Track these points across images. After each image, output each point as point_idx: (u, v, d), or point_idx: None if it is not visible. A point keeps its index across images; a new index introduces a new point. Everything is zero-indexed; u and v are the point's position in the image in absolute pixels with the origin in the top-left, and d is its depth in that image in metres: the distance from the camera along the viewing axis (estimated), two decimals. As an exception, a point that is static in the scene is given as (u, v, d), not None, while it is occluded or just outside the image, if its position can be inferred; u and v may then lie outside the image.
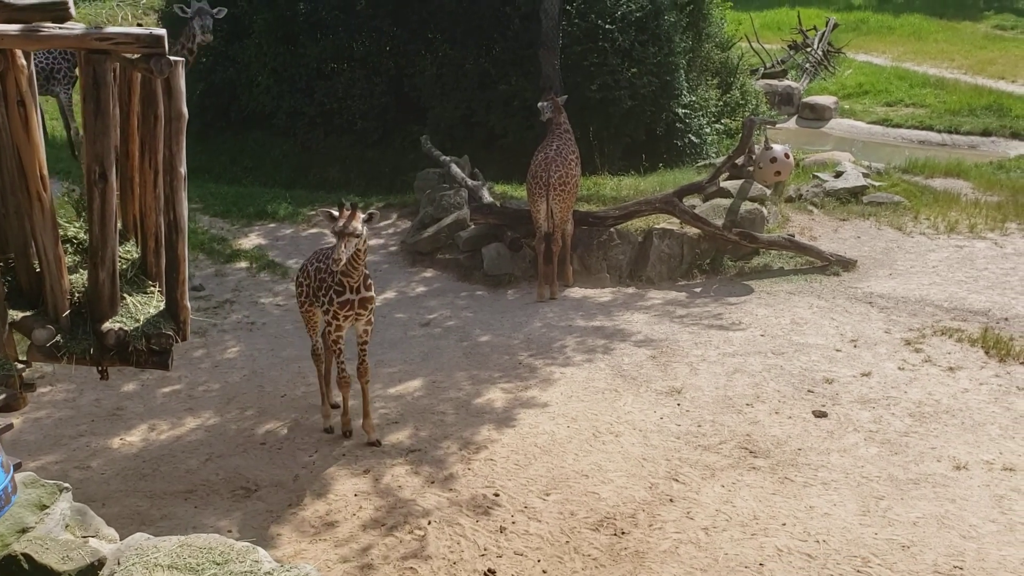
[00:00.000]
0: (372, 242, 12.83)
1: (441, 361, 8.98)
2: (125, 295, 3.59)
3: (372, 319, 7.13)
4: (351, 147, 15.98)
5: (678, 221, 10.97)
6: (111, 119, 3.21)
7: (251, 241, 12.64)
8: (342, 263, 6.17)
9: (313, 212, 13.88)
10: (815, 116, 19.68)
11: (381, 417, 7.83)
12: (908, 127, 18.81)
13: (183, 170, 3.42)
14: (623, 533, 6.10)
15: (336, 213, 6.19)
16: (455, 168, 12.65)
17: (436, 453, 7.23)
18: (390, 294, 11.01)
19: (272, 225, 13.25)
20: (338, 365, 7.25)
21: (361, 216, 6.25)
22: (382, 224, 13.50)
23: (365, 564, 5.92)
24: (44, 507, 5.23)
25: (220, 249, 11.98)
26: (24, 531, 4.98)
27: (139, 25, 16.14)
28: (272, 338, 9.63)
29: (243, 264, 11.66)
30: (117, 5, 27.01)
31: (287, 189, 14.75)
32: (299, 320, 10.09)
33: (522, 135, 13.84)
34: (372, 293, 6.98)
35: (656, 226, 11.06)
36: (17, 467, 2.58)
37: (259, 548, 4.55)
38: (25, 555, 4.67)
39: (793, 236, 11.10)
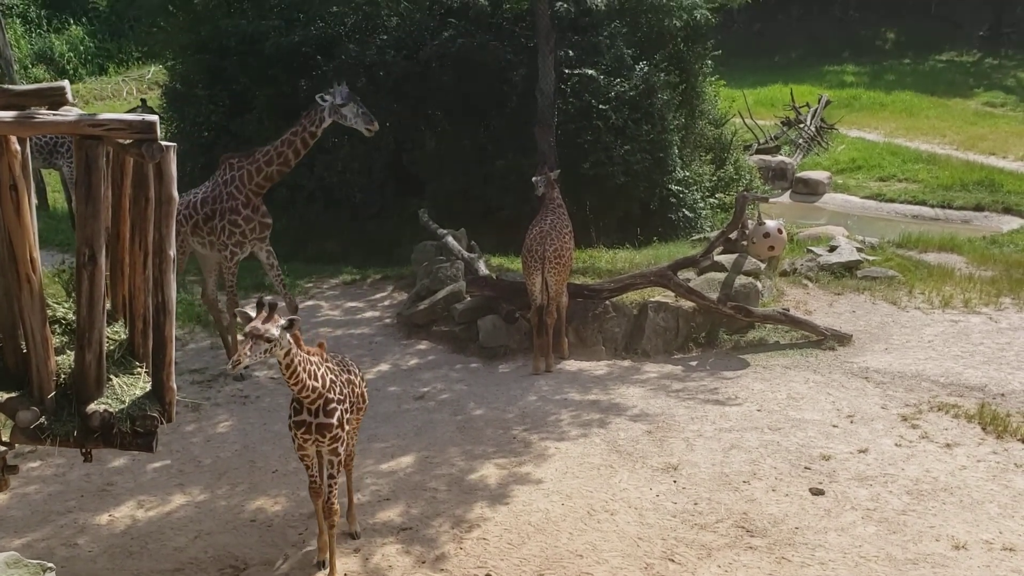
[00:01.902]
0: (367, 314, 12.88)
1: (434, 436, 8.91)
2: (111, 376, 3.59)
3: (340, 449, 6.21)
4: (350, 220, 16.13)
5: (673, 294, 11.01)
6: (102, 203, 3.25)
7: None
8: (240, 366, 5.26)
9: (310, 284, 13.93)
10: (809, 191, 19.92)
11: (372, 494, 7.74)
12: (901, 202, 19.04)
13: (172, 252, 3.45)
14: (617, 616, 5.98)
15: (252, 314, 5.42)
16: (452, 241, 12.75)
17: (427, 532, 7.12)
18: (384, 367, 10.98)
19: (268, 297, 13.26)
20: (309, 477, 6.44)
21: (280, 321, 5.46)
22: (378, 296, 13.55)
23: (353, 648, 5.79)
24: (26, 588, 5.14)
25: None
26: (5, 614, 4.90)
27: (143, 100, 16.42)
28: (265, 412, 9.57)
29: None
30: (122, 80, 27.57)
31: (285, 262, 14.79)
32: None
33: (518, 208, 13.98)
34: (333, 420, 6.04)
35: (651, 299, 11.10)
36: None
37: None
38: (4, 639, 4.58)
39: (788, 310, 11.13)
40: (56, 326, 3.74)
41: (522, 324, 11.15)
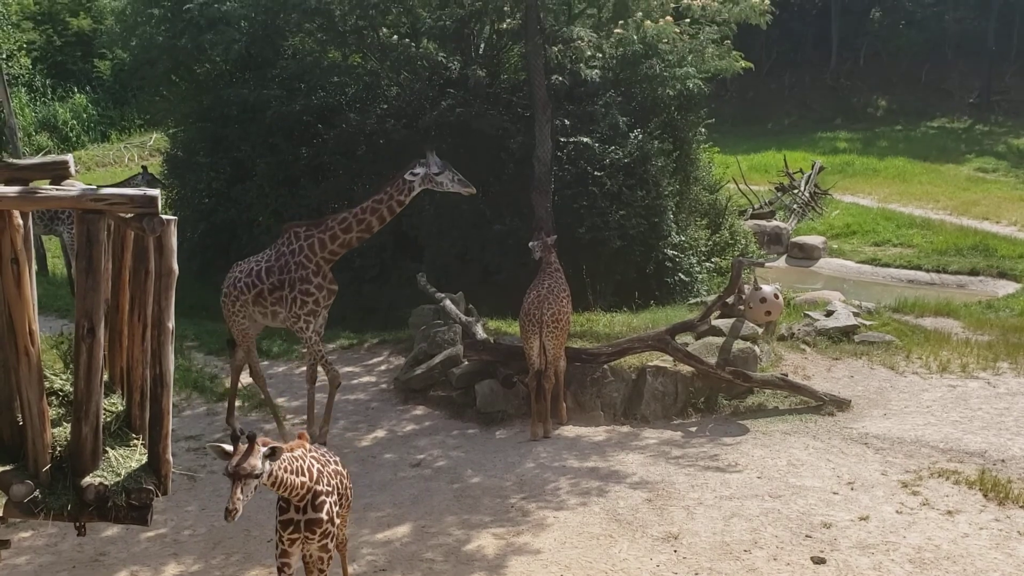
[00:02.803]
0: (364, 379, 12.84)
1: (431, 504, 8.81)
2: (107, 448, 3.57)
3: (331, 546, 5.80)
4: (348, 283, 16.11)
5: (672, 359, 11.00)
6: (102, 276, 3.28)
7: (244, 379, 12.62)
8: (236, 514, 4.80)
9: (306, 350, 13.91)
10: (804, 255, 20.06)
11: (368, 564, 7.63)
12: (897, 266, 19.18)
13: (171, 325, 3.47)
14: None
15: (229, 449, 4.93)
16: (450, 304, 12.78)
17: (424, 603, 7.01)
18: (380, 433, 10.91)
19: (265, 362, 13.25)
20: None
21: (261, 451, 4.96)
22: (374, 361, 13.53)
23: None
24: (14, 664, 5.04)
25: (213, 387, 11.96)
26: None
27: (144, 167, 16.62)
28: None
29: (235, 403, 11.60)
30: (124, 147, 27.93)
31: (282, 328, 14.82)
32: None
33: (516, 272, 14.04)
34: (323, 515, 5.58)
35: (649, 363, 11.09)
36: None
37: None
38: None
39: (786, 375, 11.12)
40: (53, 398, 3.73)
41: (520, 389, 11.11)
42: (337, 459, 6.15)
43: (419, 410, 11.59)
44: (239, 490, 4.79)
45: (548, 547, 7.84)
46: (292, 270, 9.84)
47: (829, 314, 13.16)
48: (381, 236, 16.03)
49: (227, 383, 12.35)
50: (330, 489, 5.71)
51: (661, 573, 7.32)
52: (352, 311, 15.65)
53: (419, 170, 9.70)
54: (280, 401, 11.78)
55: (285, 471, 5.27)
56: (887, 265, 19.26)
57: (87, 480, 3.45)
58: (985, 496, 8.44)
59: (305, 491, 5.48)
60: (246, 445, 4.87)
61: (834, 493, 8.66)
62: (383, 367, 13.32)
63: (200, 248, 17.01)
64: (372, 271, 16.17)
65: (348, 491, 6.33)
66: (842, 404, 10.75)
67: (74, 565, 7.76)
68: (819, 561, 7.42)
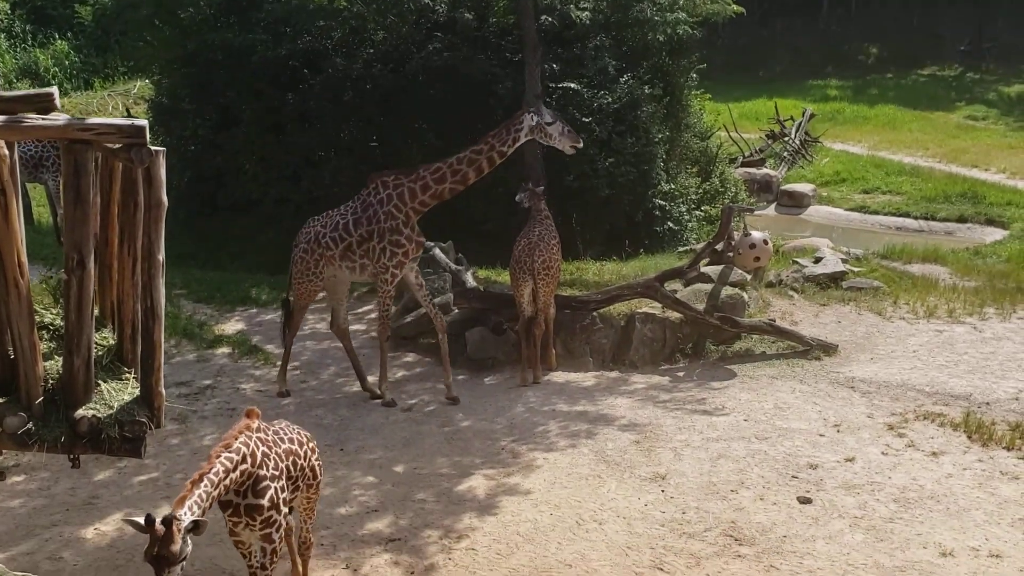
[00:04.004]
0: (354, 327, 12.83)
1: (422, 447, 8.89)
2: (100, 382, 3.57)
3: (275, 535, 5.24)
4: (338, 232, 16.10)
5: (660, 306, 11.04)
6: (91, 207, 3.25)
7: (233, 326, 12.61)
8: None
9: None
10: (794, 203, 20.06)
11: (360, 505, 7.71)
12: (885, 214, 19.19)
13: (161, 257, 3.45)
14: (606, 625, 5.97)
15: (140, 521, 4.33)
16: (439, 253, 12.75)
17: (416, 542, 7.10)
18: (371, 378, 10.92)
19: (254, 310, 13.25)
20: (248, 569, 5.44)
21: (180, 531, 4.34)
22: (364, 309, 13.52)
23: (341, 659, 5.75)
24: (10, 601, 5.10)
25: (202, 334, 11.94)
26: (-12, 626, 4.85)
27: (128, 114, 16.38)
28: (252, 424, 9.52)
29: (225, 350, 11.61)
30: (108, 95, 27.51)
31: (272, 275, 14.78)
32: (278, 406, 10.03)
33: (505, 221, 14.01)
34: (263, 501, 5.07)
35: (638, 310, 11.13)
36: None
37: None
38: (-12, 651, 4.54)
39: (774, 321, 11.18)
40: (44, 332, 3.72)
41: (510, 336, 11.15)
42: (295, 435, 5.64)
43: (409, 357, 11.63)
44: None
45: (538, 487, 7.93)
46: (381, 220, 9.56)
47: (817, 261, 13.20)
48: (369, 184, 15.97)
49: (216, 330, 12.35)
50: (276, 473, 5.19)
51: (649, 512, 7.43)
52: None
53: (529, 120, 9.35)
54: (269, 348, 11.78)
55: (222, 480, 4.75)
56: (876, 212, 19.28)
57: (80, 412, 3.45)
58: (969, 438, 8.57)
59: (243, 477, 4.96)
60: (162, 530, 4.27)
61: (820, 435, 8.77)
62: (373, 315, 13.30)
63: (187, 196, 16.85)
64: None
65: (311, 470, 5.77)
66: (829, 349, 10.83)
67: (67, 508, 7.81)
68: (805, 501, 7.54)
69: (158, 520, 4.29)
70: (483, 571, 6.68)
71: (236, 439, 4.90)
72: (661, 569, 6.61)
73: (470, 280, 12.16)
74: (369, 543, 7.11)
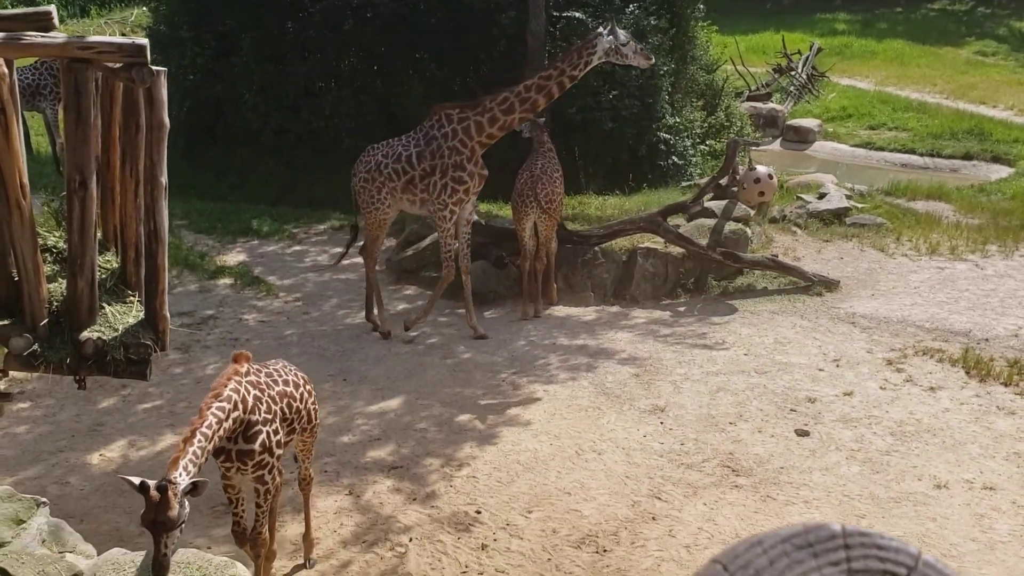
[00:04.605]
0: (355, 260, 12.82)
1: (424, 378, 8.95)
2: (104, 304, 3.57)
3: (268, 477, 5.17)
4: (338, 165, 15.95)
5: (662, 240, 11.02)
6: (92, 128, 3.20)
7: (235, 257, 12.60)
8: (167, 571, 4.22)
9: (298, 229, 13.86)
10: (799, 138, 19.86)
11: (363, 433, 7.80)
12: (891, 150, 19.01)
13: (164, 180, 3.42)
14: (605, 551, 6.09)
15: (135, 482, 4.27)
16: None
17: (418, 470, 7.20)
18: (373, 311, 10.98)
19: (256, 242, 13.23)
20: (232, 515, 5.38)
21: (177, 496, 4.22)
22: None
23: (345, 581, 5.87)
24: (21, 522, 5.19)
25: (204, 265, 11.94)
26: (0, 546, 4.94)
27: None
28: (255, 352, 9.53)
29: (227, 280, 11.62)
30: (105, 23, 27.06)
31: (272, 206, 14.72)
32: (281, 336, 10.08)
33: (507, 154, 13.86)
34: (255, 446, 4.98)
35: (640, 245, 11.11)
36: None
37: (238, 563, 4.52)
38: (1, 570, 4.63)
39: (776, 256, 11.17)
40: (47, 255, 3.71)
41: (511, 270, 11.15)
42: (291, 377, 5.50)
43: (411, 290, 11.64)
44: (164, 544, 4.17)
45: (538, 418, 8.01)
46: (445, 155, 9.33)
47: (821, 197, 13.14)
48: (370, 116, 15.81)
49: (218, 260, 12.34)
50: (269, 417, 5.07)
51: (648, 443, 7.51)
52: (342, 192, 15.50)
53: (603, 43, 8.98)
54: (271, 279, 11.80)
55: (219, 433, 4.69)
56: (881, 149, 19.09)
57: (85, 334, 3.46)
58: (967, 373, 8.63)
59: (235, 424, 4.85)
60: (158, 496, 4.14)
61: (819, 370, 8.83)
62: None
63: (186, 126, 16.63)
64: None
65: (308, 412, 5.64)
66: (831, 285, 10.84)
67: (73, 434, 7.90)
68: (803, 433, 7.62)
69: (152, 486, 4.15)
70: (483, 498, 6.78)
71: (226, 387, 4.76)
72: (659, 498, 6.71)
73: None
74: (371, 470, 7.21)
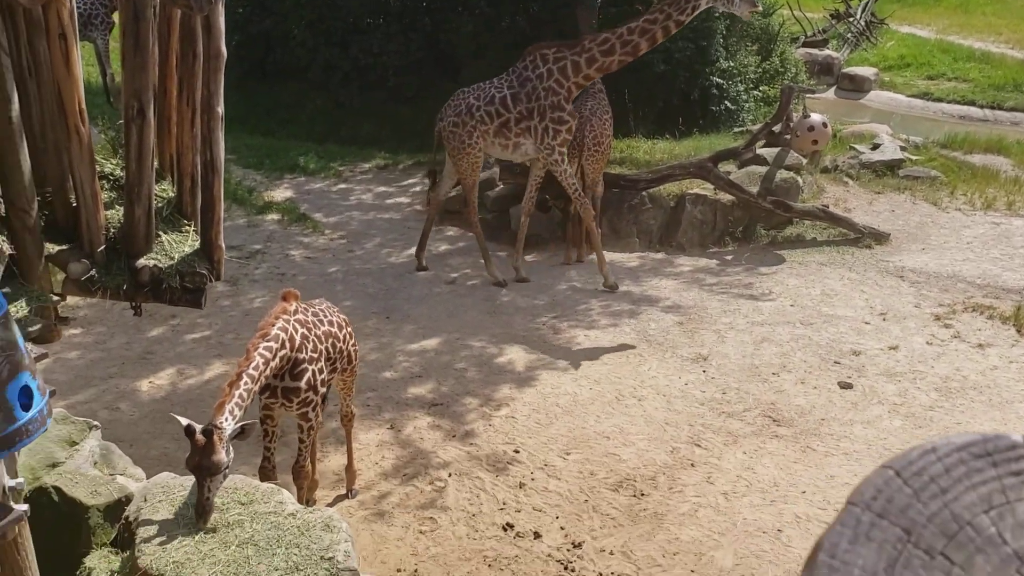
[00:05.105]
0: (399, 199, 12.85)
1: (465, 319, 9.00)
2: (160, 233, 3.61)
3: (311, 414, 5.24)
4: (384, 103, 15.93)
5: (711, 187, 10.86)
6: (150, 55, 3.20)
7: (282, 193, 12.70)
8: (210, 515, 4.19)
9: (343, 167, 13.89)
10: (854, 87, 19.34)
11: (404, 371, 7.89)
12: (949, 101, 18.44)
13: (220, 109, 3.42)
14: (642, 495, 6.13)
15: (183, 424, 4.28)
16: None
17: (457, 408, 7.28)
18: (415, 250, 11.02)
19: (302, 179, 13.30)
20: (264, 451, 5.38)
21: (222, 440, 4.23)
22: (409, 182, 13.50)
23: (384, 512, 5.99)
24: (74, 443, 5.35)
25: (252, 200, 12.05)
26: (54, 465, 5.10)
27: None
28: (301, 288, 9.64)
29: (274, 216, 11.72)
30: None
31: (319, 143, 14.76)
32: (325, 273, 10.17)
33: (556, 95, 13.71)
34: (301, 384, 5.02)
35: (689, 191, 10.97)
36: (52, 394, 2.63)
37: (283, 490, 4.62)
38: (55, 488, 4.78)
39: (827, 207, 10.97)
40: (104, 182, 3.75)
41: (555, 213, 11.09)
42: (335, 317, 5.53)
43: (453, 231, 11.66)
44: (207, 488, 4.15)
45: (578, 363, 8.03)
46: (541, 97, 9.12)
47: (875, 147, 12.82)
48: (418, 53, 15.68)
49: (266, 196, 12.44)
50: (315, 356, 5.12)
51: (689, 391, 7.51)
52: (389, 131, 15.50)
53: None
54: (317, 216, 11.87)
55: (266, 372, 4.69)
56: (939, 99, 18.52)
57: (141, 262, 3.50)
58: (1018, 331, 8.47)
59: (284, 362, 4.89)
60: (203, 440, 4.15)
61: (865, 323, 8.72)
62: (417, 188, 13.29)
63: (235, 60, 16.55)
64: (408, 90, 15.89)
65: (348, 353, 5.68)
66: (881, 237, 10.65)
67: (123, 362, 8.09)
68: (846, 386, 7.56)
69: (198, 430, 4.16)
70: (521, 438, 6.84)
71: (273, 325, 4.79)
72: (698, 445, 6.72)
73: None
74: (412, 407, 7.31)
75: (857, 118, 16.33)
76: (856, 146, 12.99)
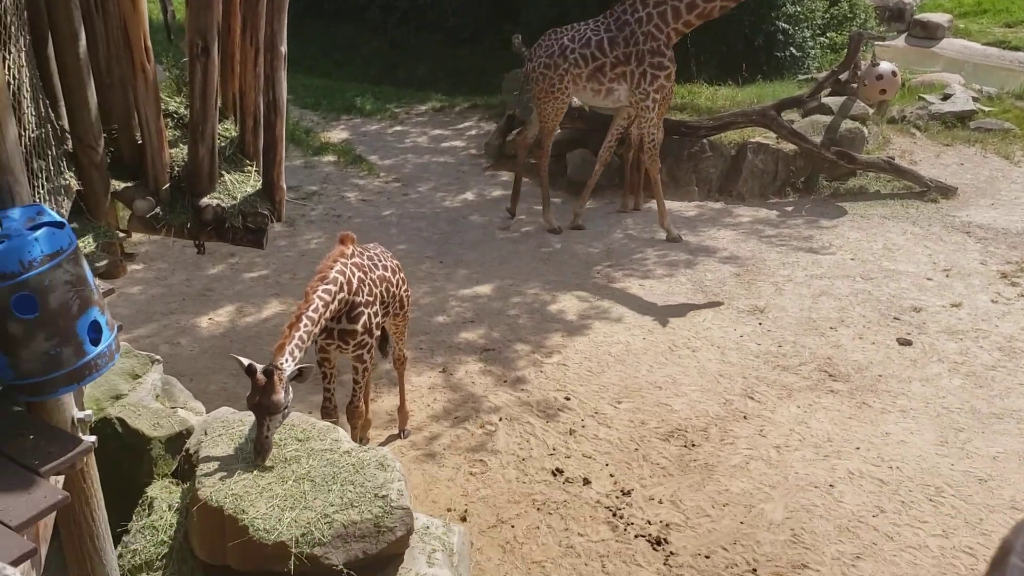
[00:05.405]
0: (454, 143, 12.80)
1: (518, 265, 8.98)
2: (223, 172, 3.64)
3: (366, 356, 5.30)
4: (441, 45, 15.81)
5: (774, 136, 10.61)
6: (214, -7, 3.20)
7: (338, 135, 12.73)
8: (268, 453, 4.29)
9: (399, 109, 13.85)
10: (926, 35, 18.60)
11: (456, 316, 7.93)
12: (1027, 50, 17.66)
13: (283, 49, 3.41)
14: (693, 445, 6.12)
15: (244, 363, 4.36)
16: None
17: (508, 354, 7.30)
18: (469, 195, 11.00)
19: (358, 120, 13.31)
20: (324, 392, 5.53)
21: (282, 382, 4.29)
22: (465, 125, 13.43)
23: (435, 453, 6.07)
24: (137, 377, 5.49)
25: (309, 141, 12.10)
26: (118, 397, 5.25)
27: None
28: (356, 231, 9.71)
29: (330, 157, 11.77)
30: None
31: (375, 85, 14.74)
32: (380, 216, 10.21)
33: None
34: (358, 327, 5.09)
35: (751, 140, 10.73)
36: (119, 329, 2.69)
37: (339, 428, 4.70)
38: (119, 419, 4.93)
39: (893, 159, 10.66)
40: (168, 120, 3.78)
41: (613, 159, 10.94)
42: (389, 263, 5.57)
43: (507, 176, 11.58)
44: (266, 427, 4.25)
45: (632, 312, 7.98)
46: (640, 42, 8.95)
47: (946, 98, 12.37)
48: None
49: (323, 137, 12.49)
50: (371, 299, 5.18)
51: (744, 343, 7.43)
52: (444, 73, 15.40)
53: None
54: (373, 158, 11.89)
55: (325, 315, 4.74)
56: (1017, 48, 17.74)
57: (205, 201, 3.54)
58: (1090, 292, 8.19)
59: (341, 305, 4.95)
60: (264, 379, 4.22)
61: (928, 279, 8.51)
62: (473, 131, 13.23)
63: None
64: (466, 32, 15.71)
65: (401, 298, 5.73)
66: (948, 191, 10.33)
67: (183, 298, 8.25)
68: (905, 343, 7.41)
69: (259, 370, 4.23)
70: (573, 385, 6.85)
71: (332, 268, 4.83)
72: (751, 398, 6.67)
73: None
74: (464, 351, 7.35)
75: (928, 67, 15.75)
76: (926, 96, 12.55)
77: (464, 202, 10.77)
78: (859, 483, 5.70)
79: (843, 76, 11.13)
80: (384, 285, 5.39)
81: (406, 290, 5.82)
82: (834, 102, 11.12)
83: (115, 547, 3.65)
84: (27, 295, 2.30)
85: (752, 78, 13.35)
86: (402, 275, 5.75)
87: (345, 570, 3.84)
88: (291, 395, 4.36)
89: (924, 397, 6.66)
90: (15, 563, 2.09)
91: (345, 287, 4.92)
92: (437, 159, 12.26)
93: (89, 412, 2.86)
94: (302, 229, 9.73)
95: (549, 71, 9.23)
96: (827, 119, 10.86)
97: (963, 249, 9.12)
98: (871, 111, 11.28)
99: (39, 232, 2.33)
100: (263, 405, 4.22)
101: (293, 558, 3.78)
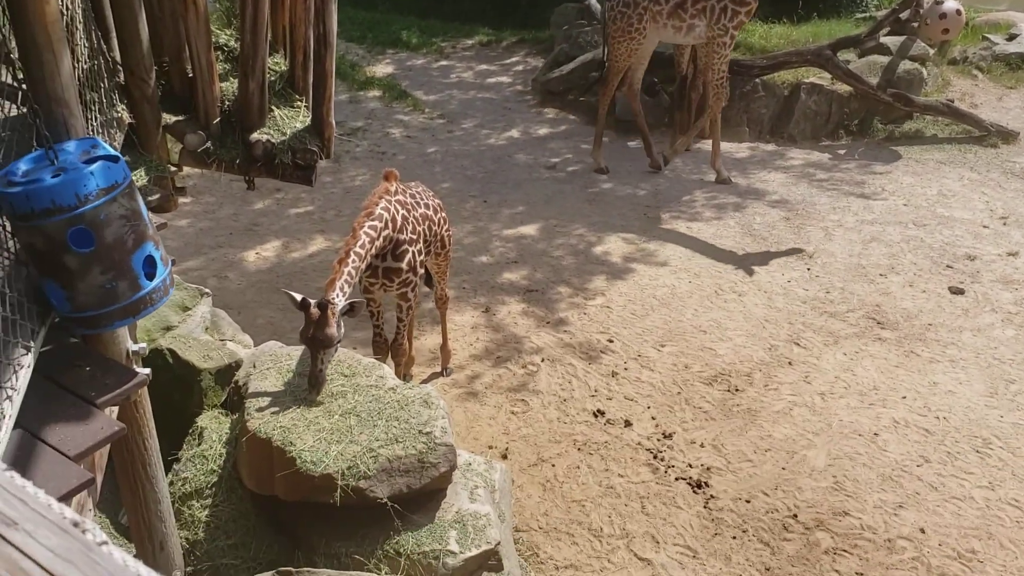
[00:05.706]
0: (500, 79, 12.64)
1: (563, 206, 8.91)
2: (272, 107, 3.62)
3: (410, 294, 5.33)
4: (489, -22, 15.53)
5: (829, 76, 10.31)
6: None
7: (383, 69, 12.63)
8: (322, 386, 4.37)
9: (445, 43, 13.67)
10: (993, -29, 17.84)
11: (500, 255, 7.91)
12: (1101, -11, 16.86)
13: (333, -20, 3.36)
14: (737, 390, 6.09)
15: (297, 298, 4.42)
16: (595, 3, 12.13)
17: (551, 295, 7.29)
18: (515, 133, 10.89)
19: (404, 54, 13.18)
20: (374, 328, 5.61)
21: (335, 315, 4.36)
22: (511, 60, 13.24)
23: (477, 391, 6.11)
24: (186, 309, 5.58)
25: (354, 75, 12.03)
26: (168, 329, 5.34)
27: None
28: (400, 167, 9.69)
29: (375, 92, 11.70)
30: None
31: (421, 18, 14.55)
32: (424, 154, 10.15)
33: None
34: (403, 264, 5.10)
35: (805, 80, 10.44)
36: (173, 264, 2.71)
37: (384, 365, 4.75)
38: (170, 351, 5.01)
39: (952, 102, 10.32)
40: (219, 53, 3.75)
41: (663, 98, 10.74)
42: (431, 201, 5.56)
43: (554, 113, 11.45)
44: (320, 361, 4.33)
45: (678, 255, 7.90)
46: None
47: (1011, 38, 11.88)
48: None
49: (368, 71, 12.41)
50: (414, 237, 5.18)
51: (791, 288, 7.33)
52: (491, 6, 15.15)
53: None
54: (418, 94, 11.80)
55: (368, 250, 4.75)
56: (1088, -12, 16.98)
57: (255, 136, 3.52)
58: None
59: (385, 242, 4.96)
60: (318, 313, 4.29)
61: (984, 227, 8.29)
62: (519, 67, 13.05)
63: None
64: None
65: (442, 237, 5.70)
66: (1008, 136, 10.00)
67: (231, 232, 8.33)
68: (957, 291, 7.26)
69: (313, 304, 4.31)
70: (616, 328, 6.82)
71: (377, 205, 4.85)
72: (797, 344, 6.60)
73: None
74: (507, 291, 7.35)
75: (994, 4, 15.12)
76: (990, 36, 12.06)
77: (509, 140, 10.67)
78: (904, 432, 5.64)
79: (904, 15, 10.73)
80: (426, 224, 5.40)
81: (448, 229, 5.82)
82: (893, 42, 10.75)
83: (166, 475, 3.75)
84: (83, 229, 2.32)
85: (808, 16, 12.93)
86: (444, 214, 5.74)
87: (389, 503, 3.91)
88: (343, 329, 4.43)
89: (974, 347, 6.53)
90: (74, 492, 2.14)
91: (390, 224, 4.94)
92: (483, 95, 12.14)
93: (143, 345, 2.90)
94: (347, 166, 9.73)
95: (629, 10, 8.99)
96: (885, 60, 10.52)
97: (1022, 196, 8.85)
98: (932, 52, 10.89)
99: (94, 166, 2.34)
100: (317, 339, 4.30)
101: (339, 490, 3.85)
